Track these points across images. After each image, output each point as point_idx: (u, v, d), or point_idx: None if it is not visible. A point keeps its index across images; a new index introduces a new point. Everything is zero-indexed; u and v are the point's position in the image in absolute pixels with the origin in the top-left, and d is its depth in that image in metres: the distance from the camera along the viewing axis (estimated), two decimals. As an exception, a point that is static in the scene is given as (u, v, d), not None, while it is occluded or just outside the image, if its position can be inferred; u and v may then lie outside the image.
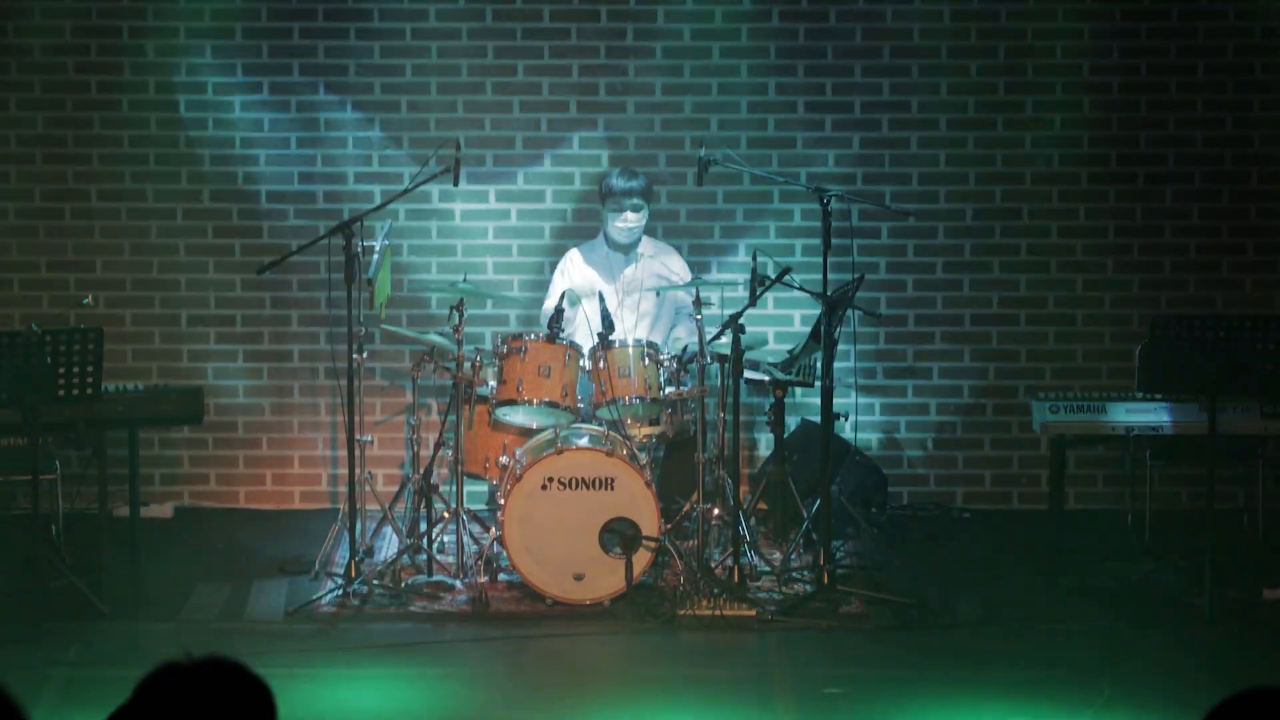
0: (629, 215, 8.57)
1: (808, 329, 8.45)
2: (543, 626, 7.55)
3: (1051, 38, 9.34)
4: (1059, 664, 7.06)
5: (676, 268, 8.75)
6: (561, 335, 8.01)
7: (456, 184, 8.32)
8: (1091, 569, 8.26)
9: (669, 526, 7.87)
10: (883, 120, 9.40)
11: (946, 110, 9.39)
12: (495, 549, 7.87)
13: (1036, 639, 7.40)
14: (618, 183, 8.60)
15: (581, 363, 7.98)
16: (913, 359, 9.51)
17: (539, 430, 8.02)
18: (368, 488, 8.30)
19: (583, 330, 8.36)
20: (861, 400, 8.93)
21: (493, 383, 7.97)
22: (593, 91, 9.41)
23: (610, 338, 7.96)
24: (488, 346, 8.26)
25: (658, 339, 8.41)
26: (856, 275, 7.95)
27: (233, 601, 7.92)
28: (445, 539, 8.22)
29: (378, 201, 8.82)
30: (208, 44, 9.31)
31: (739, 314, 7.76)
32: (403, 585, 7.84)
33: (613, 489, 7.70)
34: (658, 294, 8.64)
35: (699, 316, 7.87)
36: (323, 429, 9.48)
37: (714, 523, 8.02)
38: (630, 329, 8.52)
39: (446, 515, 8.11)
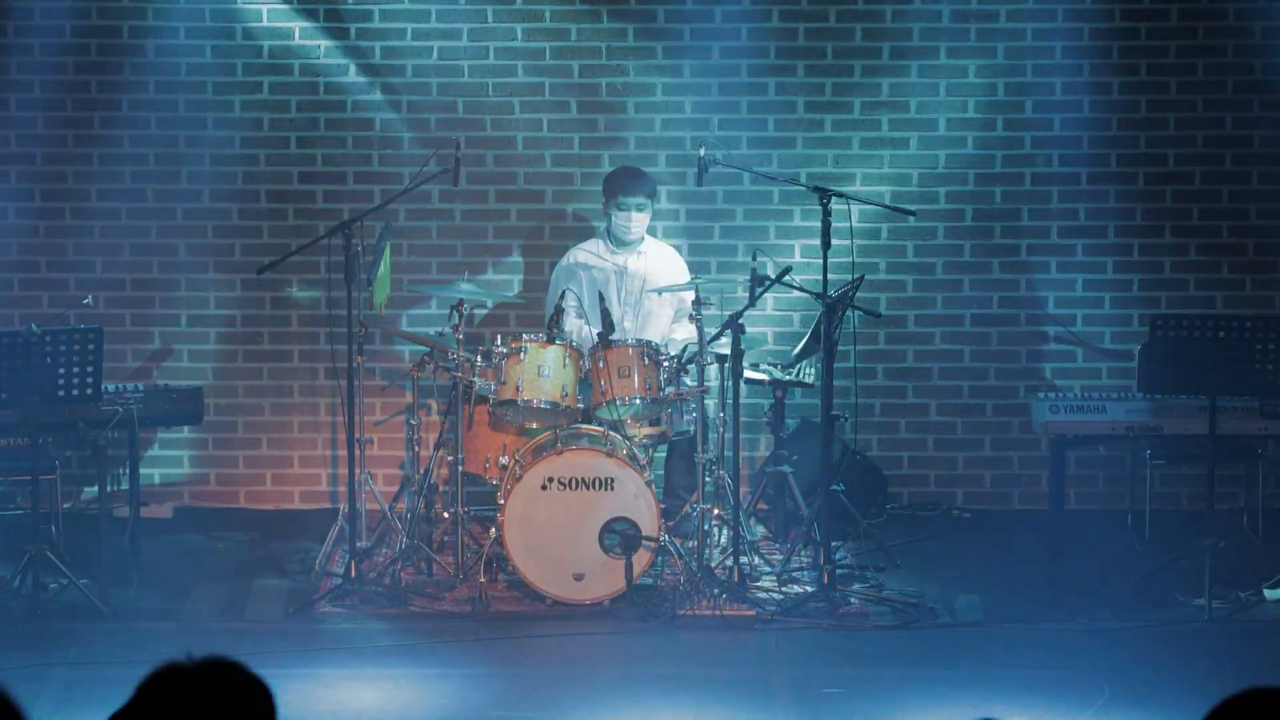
0: (633, 214, 8.56)
1: (807, 329, 8.46)
2: (543, 626, 7.55)
3: (1051, 38, 9.34)
4: (1059, 664, 7.07)
5: (677, 268, 8.75)
6: (561, 336, 8.01)
7: (456, 184, 8.33)
8: (1091, 569, 8.26)
9: (669, 526, 7.87)
10: (882, 120, 9.40)
11: (946, 110, 9.39)
12: (495, 549, 7.87)
13: (1036, 639, 7.40)
14: (622, 181, 8.60)
15: (581, 362, 7.98)
16: (913, 359, 9.50)
17: (539, 430, 8.02)
18: (368, 488, 8.30)
19: (582, 330, 8.37)
20: (861, 400, 8.92)
21: (493, 383, 7.97)
22: (593, 91, 9.40)
23: (610, 338, 7.96)
24: (487, 346, 8.25)
25: (657, 339, 8.40)
26: (856, 275, 7.96)
27: (233, 601, 7.93)
28: (445, 539, 8.22)
29: (378, 201, 8.82)
30: (208, 44, 9.31)
31: (739, 314, 7.76)
32: (403, 585, 7.84)
33: (613, 489, 7.71)
34: (658, 294, 8.64)
35: (699, 316, 7.87)
36: (323, 429, 9.48)
37: (714, 523, 8.02)
38: (631, 329, 8.52)
39: (446, 515, 8.11)
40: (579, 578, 7.69)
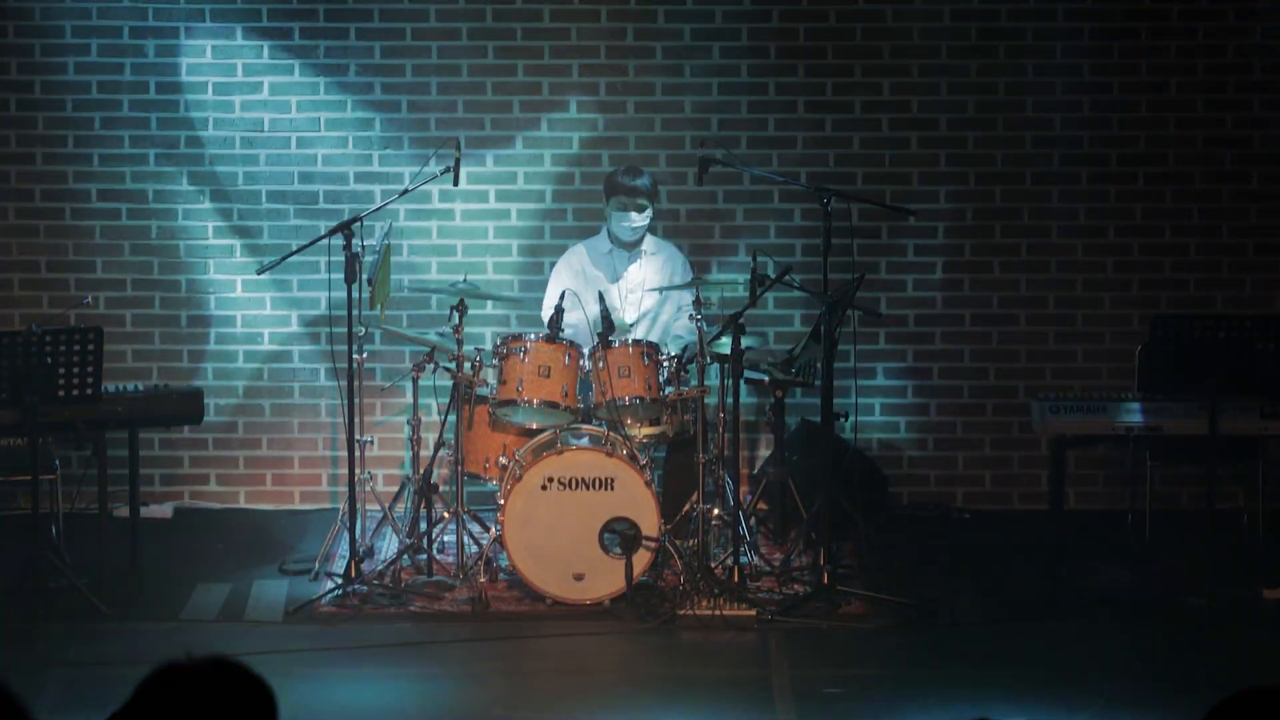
0: (634, 213, 8.56)
1: (808, 329, 8.45)
2: (543, 626, 7.55)
3: (1051, 38, 9.34)
4: (1059, 664, 7.06)
5: (678, 266, 8.75)
6: (561, 335, 8.00)
7: (456, 184, 8.32)
8: (1091, 569, 8.25)
9: (669, 526, 7.87)
10: (883, 120, 9.40)
11: (946, 110, 9.39)
12: (495, 549, 7.87)
13: (1036, 639, 7.40)
14: (624, 180, 8.59)
15: (581, 363, 7.98)
16: (913, 359, 9.50)
17: (539, 430, 8.02)
18: (368, 488, 8.30)
19: (583, 330, 8.37)
20: (861, 400, 8.92)
21: (493, 383, 7.98)
22: (593, 91, 9.41)
23: (610, 338, 7.96)
24: (488, 346, 8.24)
25: (658, 338, 8.40)
26: (856, 275, 7.95)
27: (233, 601, 7.92)
28: (445, 539, 8.22)
29: (378, 201, 8.82)
30: (208, 44, 9.32)
31: (739, 314, 7.76)
32: (403, 585, 7.84)
33: (613, 489, 7.70)
34: (659, 293, 8.64)
35: (699, 316, 7.87)
36: (323, 429, 9.48)
37: (714, 523, 8.02)
38: (631, 329, 8.52)
39: (446, 515, 8.11)
40: (579, 578, 7.69)
